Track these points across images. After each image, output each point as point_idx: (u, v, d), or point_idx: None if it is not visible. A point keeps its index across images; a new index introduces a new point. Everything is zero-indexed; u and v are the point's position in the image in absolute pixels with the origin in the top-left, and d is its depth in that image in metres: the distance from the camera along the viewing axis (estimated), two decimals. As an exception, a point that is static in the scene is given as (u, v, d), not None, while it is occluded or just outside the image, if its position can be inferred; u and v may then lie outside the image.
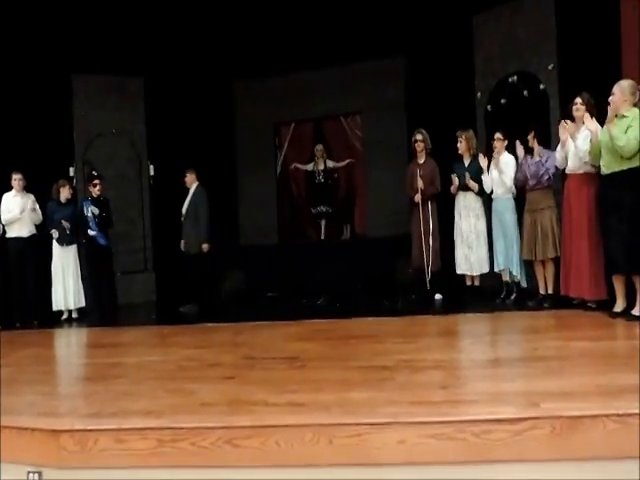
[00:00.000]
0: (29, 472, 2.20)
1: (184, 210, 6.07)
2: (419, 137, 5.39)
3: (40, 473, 2.19)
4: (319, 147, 7.74)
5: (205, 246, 5.88)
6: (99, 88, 6.78)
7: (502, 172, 4.81)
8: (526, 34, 5.59)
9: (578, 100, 4.09)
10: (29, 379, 3.26)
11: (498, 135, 4.97)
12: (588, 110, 4.02)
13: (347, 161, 7.85)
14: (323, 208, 7.70)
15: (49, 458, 2.21)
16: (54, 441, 2.21)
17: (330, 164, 7.70)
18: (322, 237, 7.83)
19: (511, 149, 4.89)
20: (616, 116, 3.67)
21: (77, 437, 2.20)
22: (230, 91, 7.98)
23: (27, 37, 6.10)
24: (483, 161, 4.99)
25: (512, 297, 4.83)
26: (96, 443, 2.18)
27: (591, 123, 3.84)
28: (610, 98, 3.69)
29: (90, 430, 2.22)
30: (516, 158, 4.78)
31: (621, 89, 3.64)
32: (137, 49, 6.59)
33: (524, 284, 4.84)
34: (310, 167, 7.80)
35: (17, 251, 5.61)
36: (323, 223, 7.85)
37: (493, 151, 5.00)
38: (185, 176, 6.10)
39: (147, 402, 2.64)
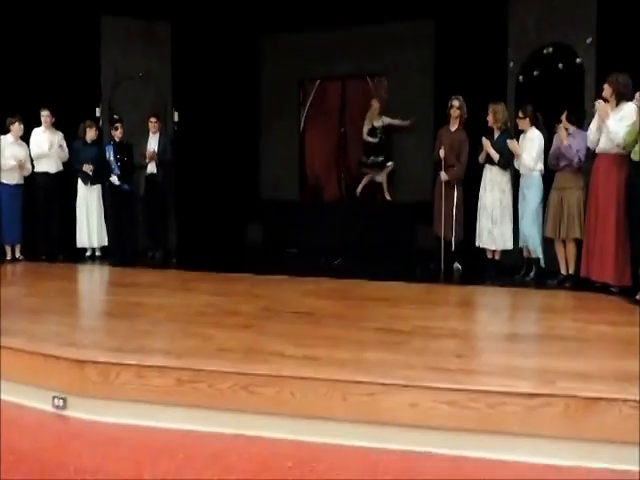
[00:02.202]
0: (54, 397, 2.31)
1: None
2: (456, 103, 5.21)
3: (65, 399, 2.30)
4: (375, 104, 7.22)
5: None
6: (127, 31, 6.67)
7: (525, 149, 4.66)
8: (564, 4, 5.26)
9: (605, 85, 3.95)
10: (54, 310, 3.37)
11: (520, 114, 4.81)
12: (618, 92, 3.84)
13: (409, 121, 7.07)
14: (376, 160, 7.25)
15: (74, 386, 2.31)
16: (79, 370, 2.30)
17: (387, 120, 7.22)
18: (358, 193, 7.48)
19: (541, 123, 4.72)
20: None
21: (100, 369, 2.29)
22: (257, 44, 7.79)
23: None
24: (512, 143, 4.81)
25: (531, 274, 4.77)
26: (118, 376, 2.27)
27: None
28: None
29: (113, 363, 2.30)
30: (550, 132, 4.61)
31: None
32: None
33: (542, 263, 4.77)
34: (365, 130, 7.32)
35: (44, 186, 5.69)
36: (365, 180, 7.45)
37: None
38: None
39: (167, 342, 2.73)
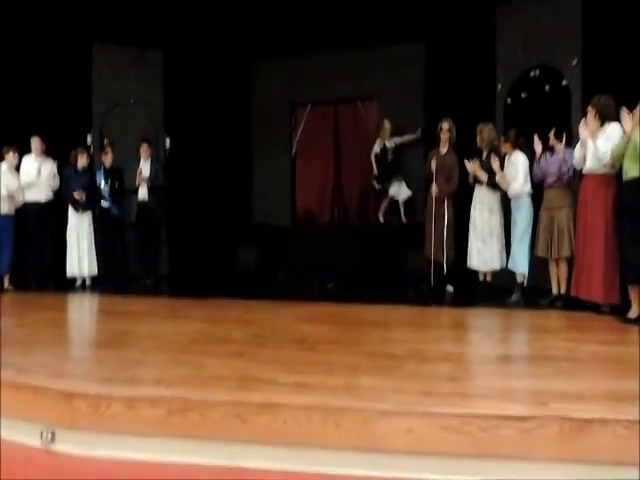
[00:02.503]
0: (42, 431, 2.26)
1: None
2: (445, 126, 5.30)
3: (53, 433, 2.25)
4: (387, 124, 7.07)
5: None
6: (119, 58, 6.78)
7: (510, 175, 4.75)
8: (550, 27, 5.45)
9: (589, 107, 4.06)
10: (44, 341, 3.32)
11: (503, 138, 4.93)
12: (601, 113, 3.95)
13: (416, 133, 6.99)
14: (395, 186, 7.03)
15: (63, 419, 2.26)
16: (68, 403, 2.26)
17: (398, 140, 7.11)
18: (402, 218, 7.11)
19: (527, 146, 4.82)
20: None
21: (90, 400, 2.25)
22: (248, 69, 7.93)
23: (51, 5, 6.07)
24: (495, 162, 4.90)
25: (515, 295, 4.77)
26: (108, 408, 2.23)
27: (627, 122, 3.72)
28: None
29: (103, 395, 2.26)
30: (534, 154, 4.71)
31: None
32: (158, 20, 6.55)
33: (525, 283, 4.80)
34: (376, 148, 7.22)
35: (35, 215, 5.67)
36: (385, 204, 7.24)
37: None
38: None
39: (158, 371, 2.69)
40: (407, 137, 7.05)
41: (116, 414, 2.22)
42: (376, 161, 7.17)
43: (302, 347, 3.11)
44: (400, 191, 6.99)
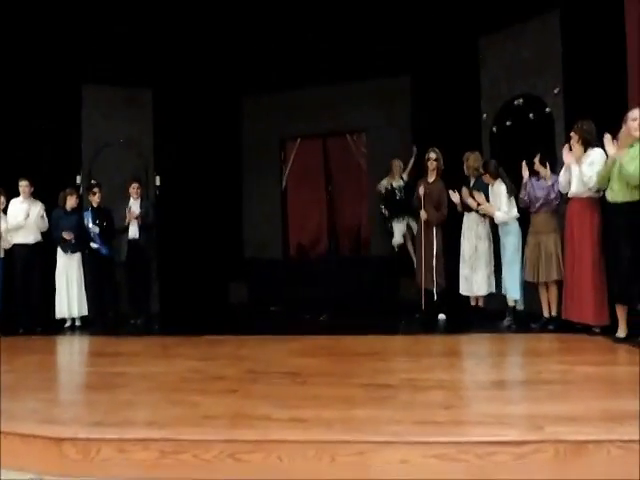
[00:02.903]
0: (30, 479, 2.20)
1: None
2: (433, 155, 5.42)
3: (42, 481, 2.20)
4: (397, 163, 6.94)
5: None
6: (108, 99, 6.87)
7: (488, 208, 4.85)
8: (532, 57, 5.66)
9: (572, 133, 4.19)
10: (32, 386, 3.26)
11: (481, 169, 5.05)
12: (584, 139, 4.08)
13: (413, 156, 6.83)
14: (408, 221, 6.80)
15: (51, 466, 2.21)
16: (56, 449, 2.22)
17: (405, 177, 6.96)
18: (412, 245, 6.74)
19: (514, 171, 4.93)
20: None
21: (80, 446, 2.21)
22: (237, 106, 8.09)
23: (39, 46, 6.19)
24: (478, 196, 5.01)
25: (507, 319, 4.79)
26: (99, 452, 2.19)
27: (610, 147, 3.83)
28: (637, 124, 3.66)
29: (93, 439, 2.22)
30: (520, 180, 4.81)
31: None
32: (147, 61, 6.69)
33: (520, 307, 4.83)
34: (385, 184, 7.02)
35: (22, 258, 5.64)
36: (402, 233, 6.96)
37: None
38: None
39: (150, 413, 2.65)
40: (410, 163, 6.93)
41: (107, 459, 2.18)
42: (384, 199, 6.98)
43: (295, 381, 3.08)
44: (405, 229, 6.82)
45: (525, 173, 4.69)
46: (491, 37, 6.05)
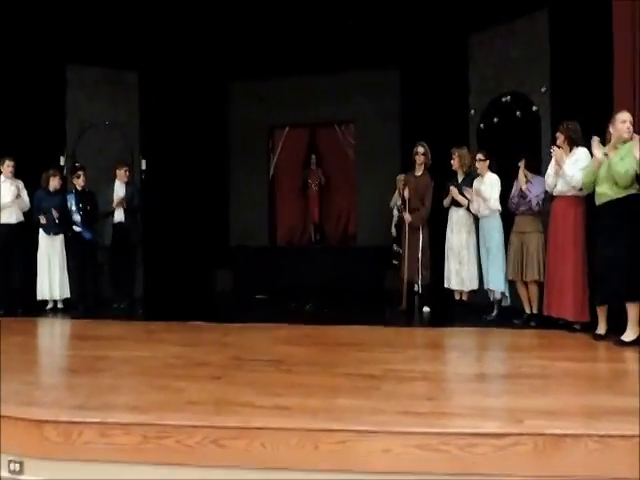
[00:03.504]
0: (10, 461, 2.18)
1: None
2: (421, 150, 5.43)
3: (22, 463, 2.17)
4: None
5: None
6: (94, 79, 6.73)
7: (485, 199, 4.86)
8: (520, 55, 5.69)
9: (558, 133, 4.23)
10: (13, 367, 3.21)
11: (479, 156, 5.04)
12: (570, 138, 4.13)
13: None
14: None
15: (32, 448, 2.19)
16: (37, 431, 2.19)
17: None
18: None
19: (498, 168, 4.96)
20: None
21: (61, 428, 2.19)
22: (225, 91, 8.02)
23: (24, 25, 6.03)
24: (468, 192, 5.03)
25: (493, 314, 4.87)
26: (80, 435, 2.17)
27: (598, 150, 3.86)
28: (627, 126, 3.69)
29: (75, 422, 2.21)
30: (510, 179, 4.84)
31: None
32: (133, 42, 6.56)
33: (506, 302, 4.90)
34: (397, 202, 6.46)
35: (4, 237, 5.52)
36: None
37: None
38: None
39: (132, 397, 2.64)
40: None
41: (88, 442, 2.16)
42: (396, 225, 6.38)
43: (280, 369, 3.09)
44: None
45: (522, 179, 4.66)
46: (480, 34, 6.07)
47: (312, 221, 8.26)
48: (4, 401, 2.47)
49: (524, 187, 4.61)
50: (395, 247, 6.37)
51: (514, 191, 4.74)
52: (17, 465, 2.17)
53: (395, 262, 6.30)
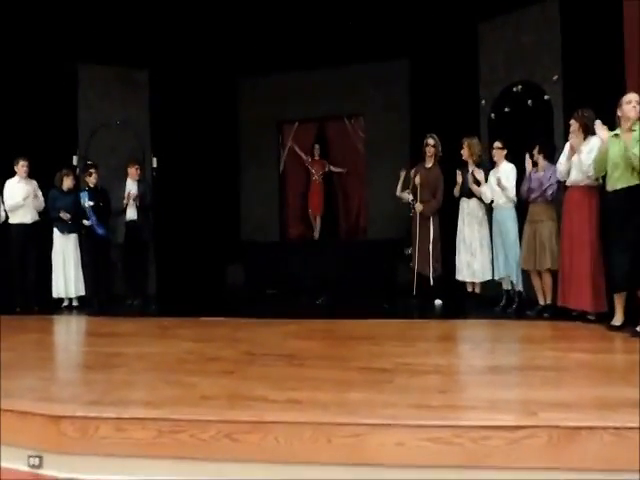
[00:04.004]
0: (29, 456, 2.22)
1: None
2: (431, 141, 5.40)
3: (41, 458, 2.21)
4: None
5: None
6: (105, 78, 6.80)
7: (504, 188, 4.81)
8: (531, 44, 5.62)
9: (572, 121, 4.17)
10: (30, 364, 3.27)
11: (497, 144, 5.00)
12: (584, 126, 4.07)
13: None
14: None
15: (50, 443, 2.23)
16: (55, 427, 2.23)
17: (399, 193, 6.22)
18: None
19: (511, 158, 4.92)
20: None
21: (78, 424, 2.22)
22: (235, 87, 8.03)
23: (35, 25, 6.08)
24: (478, 173, 5.00)
25: (513, 306, 4.85)
26: (97, 430, 2.20)
27: (602, 131, 3.82)
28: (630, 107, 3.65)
29: (91, 417, 2.23)
30: (523, 171, 4.79)
31: None
32: (144, 41, 6.60)
33: (518, 292, 4.86)
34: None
35: (20, 237, 5.62)
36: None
37: (493, 160, 5.03)
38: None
39: (147, 393, 2.67)
40: (400, 180, 6.12)
41: (105, 437, 2.19)
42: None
43: (292, 363, 3.10)
44: None
45: (529, 166, 4.65)
46: (490, 23, 6.00)
47: (312, 213, 8.08)
48: (21, 397, 2.51)
49: (529, 169, 4.56)
50: (406, 250, 6.25)
51: (527, 179, 4.69)
52: (37, 459, 2.21)
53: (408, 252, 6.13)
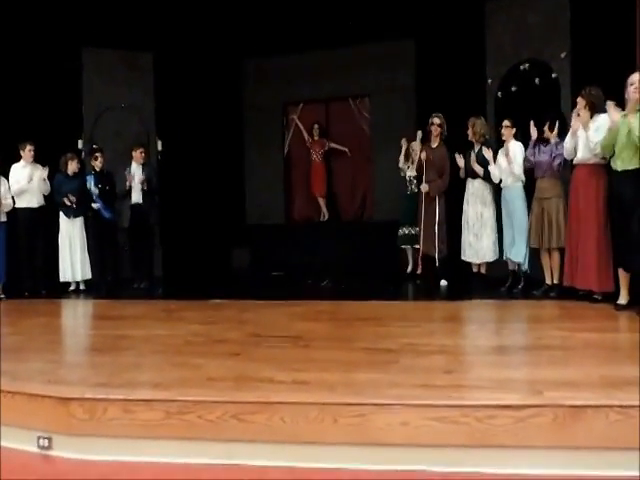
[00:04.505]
0: (39, 437, 2.25)
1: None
2: (437, 121, 5.33)
3: (50, 439, 2.25)
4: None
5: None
6: (109, 62, 6.74)
7: (511, 161, 4.77)
8: (539, 22, 5.52)
9: (579, 99, 4.10)
10: (38, 347, 3.31)
11: (506, 123, 4.93)
12: (591, 104, 3.99)
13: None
14: None
15: (59, 425, 2.26)
16: (64, 408, 2.26)
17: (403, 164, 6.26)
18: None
19: (520, 137, 4.85)
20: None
21: (87, 405, 2.24)
22: (239, 69, 7.94)
23: (39, 10, 6.03)
24: (487, 152, 4.94)
25: (519, 286, 4.83)
26: (105, 412, 2.23)
27: (614, 113, 3.75)
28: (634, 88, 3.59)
29: (99, 399, 2.26)
30: (527, 142, 4.73)
31: None
32: (148, 24, 6.54)
33: (529, 273, 4.84)
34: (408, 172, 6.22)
35: (26, 221, 5.63)
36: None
37: (501, 139, 4.97)
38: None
39: (154, 374, 2.70)
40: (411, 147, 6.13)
41: (113, 418, 2.22)
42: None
43: (298, 345, 3.12)
44: None
45: (534, 134, 4.60)
46: (497, 1, 5.86)
47: (315, 194, 7.94)
48: (30, 379, 2.55)
49: (534, 136, 4.54)
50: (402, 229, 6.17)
51: (532, 149, 4.63)
52: (46, 441, 2.25)
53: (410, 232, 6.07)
